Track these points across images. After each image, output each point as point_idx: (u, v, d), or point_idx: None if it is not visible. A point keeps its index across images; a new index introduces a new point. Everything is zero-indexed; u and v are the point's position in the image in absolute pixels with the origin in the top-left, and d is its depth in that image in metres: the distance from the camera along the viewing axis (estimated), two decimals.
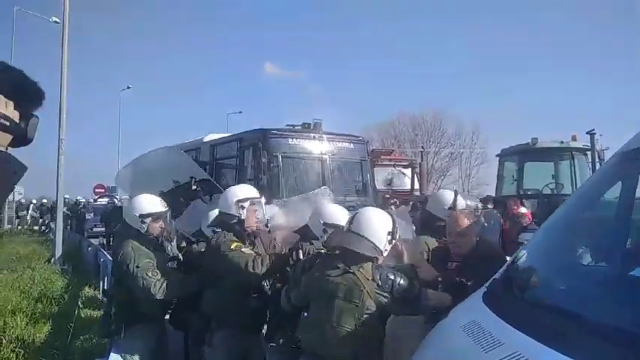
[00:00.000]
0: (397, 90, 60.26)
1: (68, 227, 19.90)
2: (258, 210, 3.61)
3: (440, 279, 3.10)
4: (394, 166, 13.09)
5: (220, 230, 3.58)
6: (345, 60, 65.25)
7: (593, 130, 7.94)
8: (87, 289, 9.54)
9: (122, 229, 3.93)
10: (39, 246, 15.95)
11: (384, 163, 12.95)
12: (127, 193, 5.13)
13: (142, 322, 3.67)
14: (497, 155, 11.08)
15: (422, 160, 13.53)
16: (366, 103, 60.46)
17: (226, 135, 10.45)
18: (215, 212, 3.99)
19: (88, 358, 5.36)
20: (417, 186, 11.66)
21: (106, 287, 7.91)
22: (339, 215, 3.43)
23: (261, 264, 3.27)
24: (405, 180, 12.75)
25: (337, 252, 2.81)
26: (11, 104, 1.36)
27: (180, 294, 3.72)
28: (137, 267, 3.54)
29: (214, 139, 10.39)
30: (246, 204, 3.52)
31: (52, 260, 12.78)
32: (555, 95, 53.69)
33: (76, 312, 6.97)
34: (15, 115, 1.37)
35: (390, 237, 2.76)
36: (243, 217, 3.52)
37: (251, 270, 3.25)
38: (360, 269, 2.67)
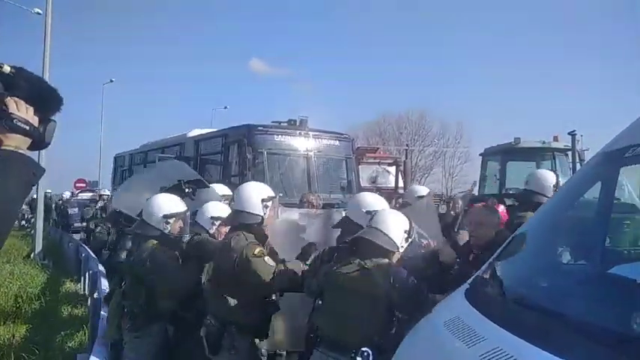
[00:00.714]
0: (383, 89, 60.55)
1: (51, 222, 19.61)
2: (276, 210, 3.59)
3: (456, 266, 3.23)
4: (379, 164, 13.15)
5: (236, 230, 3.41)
6: (332, 58, 65.33)
7: (574, 130, 8.06)
8: (68, 284, 9.44)
9: (139, 229, 3.81)
10: (18, 241, 15.67)
11: (369, 161, 13.01)
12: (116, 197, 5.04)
13: (158, 321, 3.64)
14: (480, 154, 11.20)
15: (406, 158, 13.59)
16: (353, 102, 60.59)
17: (211, 130, 10.39)
18: (214, 205, 4.09)
19: (68, 354, 5.31)
20: (401, 184, 11.71)
21: (87, 283, 7.83)
22: (379, 202, 3.46)
23: (286, 280, 3.24)
24: (390, 178, 12.81)
25: (354, 248, 2.95)
26: (31, 109, 1.46)
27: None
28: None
29: (198, 135, 10.32)
30: (270, 203, 3.44)
31: (32, 255, 12.59)
32: (538, 96, 54.39)
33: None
34: (35, 120, 1.46)
35: (406, 235, 2.96)
36: (265, 217, 3.43)
37: (275, 283, 3.23)
38: (375, 264, 2.81)
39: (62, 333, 6.10)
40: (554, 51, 54.44)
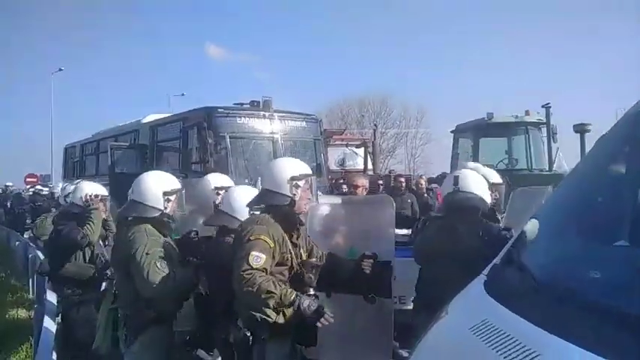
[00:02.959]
0: (344, 72, 60.06)
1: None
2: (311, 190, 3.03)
3: None
4: (347, 145, 12.75)
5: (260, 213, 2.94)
6: (291, 42, 64.17)
7: (549, 103, 7.88)
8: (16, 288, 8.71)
9: (128, 212, 3.18)
10: None
11: (336, 143, 12.57)
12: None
13: (155, 325, 3.05)
14: (451, 132, 10.93)
15: (375, 139, 13.24)
16: (314, 86, 59.83)
17: (167, 115, 9.71)
18: None
19: None
20: (370, 165, 11.33)
21: (34, 286, 7.11)
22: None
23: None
24: (358, 160, 12.41)
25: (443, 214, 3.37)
26: None
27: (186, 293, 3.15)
28: (147, 254, 2.92)
29: (154, 120, 9.65)
30: (302, 183, 2.91)
31: None
32: (498, 77, 55.10)
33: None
34: None
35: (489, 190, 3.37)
36: (296, 199, 2.89)
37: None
38: (466, 226, 3.11)
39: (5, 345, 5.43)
40: (512, 32, 55.15)
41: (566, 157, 9.08)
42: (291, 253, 2.84)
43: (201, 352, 3.63)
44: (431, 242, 3.41)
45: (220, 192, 3.64)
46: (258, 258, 2.62)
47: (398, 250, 3.51)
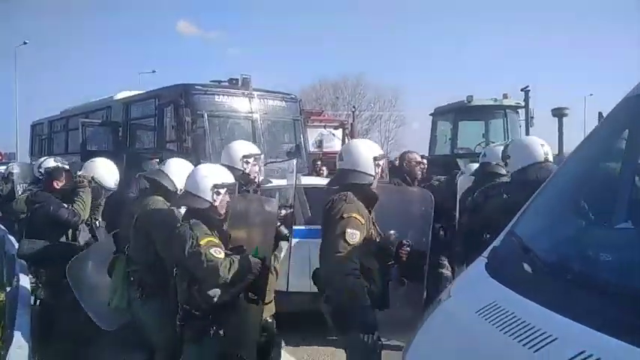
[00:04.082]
0: (319, 54, 59.49)
1: None
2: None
3: None
4: (324, 127, 12.66)
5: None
6: (265, 21, 63.13)
7: (528, 86, 7.92)
8: None
9: (187, 201, 3.12)
10: None
11: (315, 124, 12.46)
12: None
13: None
14: (430, 114, 10.91)
15: (353, 121, 13.16)
16: (289, 67, 59.16)
17: (141, 92, 9.39)
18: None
19: None
20: None
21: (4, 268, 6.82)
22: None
23: None
24: (335, 141, 12.36)
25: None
26: None
27: None
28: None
29: (128, 97, 9.31)
30: (381, 162, 3.09)
31: None
32: (469, 62, 55.54)
33: None
34: None
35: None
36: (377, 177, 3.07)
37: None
38: None
39: None
40: (485, 15, 55.50)
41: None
42: (374, 228, 3.02)
43: None
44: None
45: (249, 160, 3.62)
46: (353, 235, 2.77)
47: None
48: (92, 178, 4.48)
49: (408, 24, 57.20)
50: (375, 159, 3.01)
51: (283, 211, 3.35)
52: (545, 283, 1.64)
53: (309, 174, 8.31)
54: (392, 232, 3.08)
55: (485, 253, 2.09)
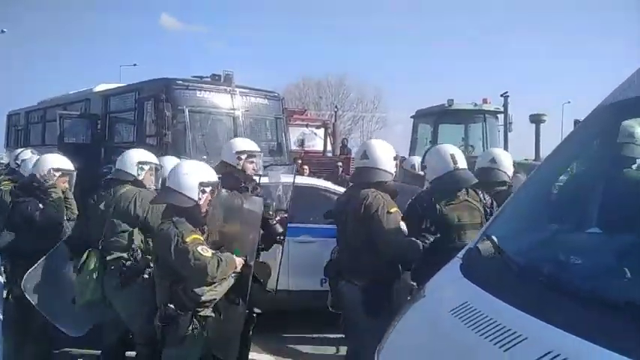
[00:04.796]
0: (303, 53, 59.43)
1: None
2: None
3: None
4: (307, 126, 12.63)
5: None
6: (249, 18, 62.77)
7: (507, 92, 8.05)
8: None
9: (171, 199, 3.05)
10: None
11: (297, 123, 12.43)
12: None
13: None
14: (411, 117, 11.00)
15: (336, 121, 13.18)
16: (273, 65, 58.95)
17: (122, 85, 9.25)
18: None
19: None
20: (329, 147, 11.29)
21: None
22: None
23: None
24: (318, 141, 12.36)
25: None
26: None
27: None
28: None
29: (108, 90, 9.15)
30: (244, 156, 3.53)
31: None
32: (451, 64, 56.14)
33: None
34: None
35: None
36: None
37: None
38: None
39: None
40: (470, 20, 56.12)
41: (520, 146, 9.38)
42: None
43: None
44: None
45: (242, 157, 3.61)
46: (403, 225, 3.14)
47: None
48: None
49: (393, 25, 57.49)
50: (395, 158, 3.31)
51: (278, 217, 3.51)
52: (517, 284, 1.67)
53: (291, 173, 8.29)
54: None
55: (460, 254, 2.13)
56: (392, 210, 3.12)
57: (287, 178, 4.13)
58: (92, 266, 3.46)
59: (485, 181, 3.55)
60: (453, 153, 3.33)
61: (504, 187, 3.71)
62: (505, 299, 1.59)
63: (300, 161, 9.62)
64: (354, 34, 59.33)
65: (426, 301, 1.86)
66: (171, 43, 61.34)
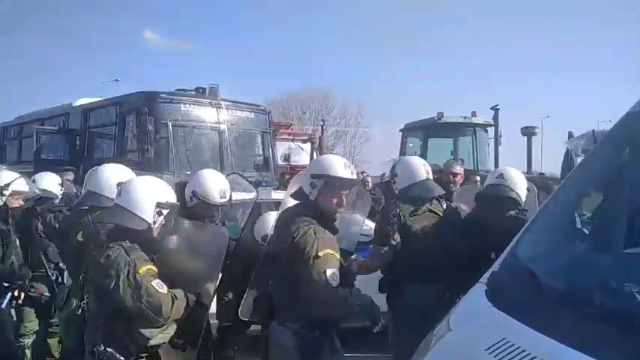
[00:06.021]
0: (285, 68, 59.47)
1: None
2: None
3: None
4: (292, 140, 12.44)
5: None
6: (233, 35, 62.71)
7: (497, 105, 7.97)
8: None
9: (115, 218, 2.56)
10: None
11: (283, 137, 12.22)
12: None
13: None
14: (400, 130, 10.87)
15: (322, 135, 13.00)
16: (257, 80, 58.81)
17: (102, 99, 8.96)
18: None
19: None
20: None
21: None
22: None
23: None
24: (303, 155, 12.15)
25: None
26: None
27: None
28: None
29: (87, 104, 8.84)
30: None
31: None
32: (435, 77, 56.65)
33: None
34: None
35: None
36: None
37: None
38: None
39: None
40: (455, 31, 56.85)
41: (508, 159, 9.28)
42: None
43: None
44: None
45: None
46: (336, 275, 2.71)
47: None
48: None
49: (375, 39, 57.98)
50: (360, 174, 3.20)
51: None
52: (561, 315, 1.45)
53: (277, 188, 8.06)
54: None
55: (484, 279, 1.90)
56: (320, 254, 2.43)
57: (248, 195, 3.83)
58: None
59: (492, 195, 3.34)
60: (425, 164, 3.49)
61: (514, 212, 3.37)
62: (547, 332, 1.37)
63: (287, 177, 9.38)
64: (338, 49, 59.60)
65: (454, 337, 1.62)
66: (154, 59, 60.79)
